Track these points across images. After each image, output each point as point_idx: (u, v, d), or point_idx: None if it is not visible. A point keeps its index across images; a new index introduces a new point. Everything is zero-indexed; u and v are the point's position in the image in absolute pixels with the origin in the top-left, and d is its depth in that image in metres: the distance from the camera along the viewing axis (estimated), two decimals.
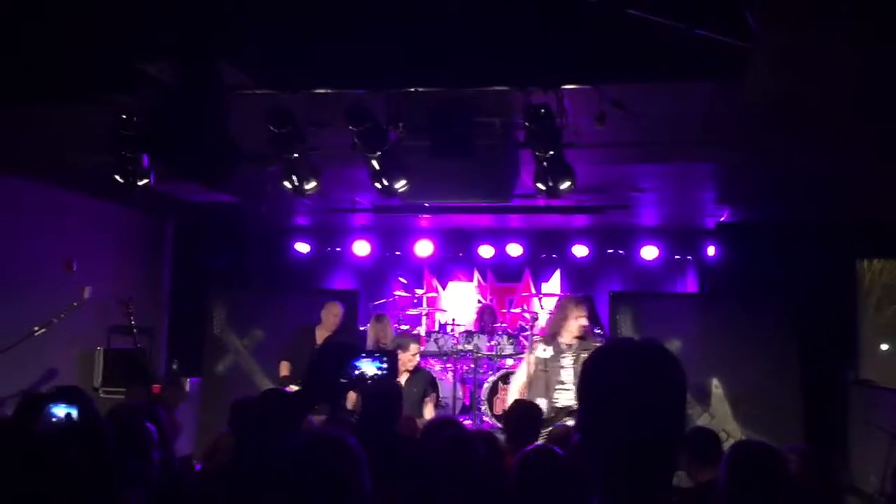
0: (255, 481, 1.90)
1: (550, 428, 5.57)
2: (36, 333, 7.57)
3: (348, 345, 2.27)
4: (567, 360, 6.18)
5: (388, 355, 2.23)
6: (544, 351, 6.29)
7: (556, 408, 6.07)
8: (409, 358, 7.14)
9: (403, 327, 9.43)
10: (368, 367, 2.19)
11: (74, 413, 3.70)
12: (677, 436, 1.56)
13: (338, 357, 2.15)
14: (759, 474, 3.01)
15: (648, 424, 1.51)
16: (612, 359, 1.61)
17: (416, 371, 7.25)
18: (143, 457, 3.58)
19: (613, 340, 1.65)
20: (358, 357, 2.18)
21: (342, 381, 2.16)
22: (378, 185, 5.50)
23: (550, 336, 6.38)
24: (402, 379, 7.13)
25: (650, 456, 1.52)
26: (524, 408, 5.13)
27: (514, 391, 6.51)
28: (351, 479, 2.10)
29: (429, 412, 7.15)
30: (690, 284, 10.24)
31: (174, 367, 9.13)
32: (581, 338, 6.20)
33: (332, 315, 7.76)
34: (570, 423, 5.52)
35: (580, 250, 10.21)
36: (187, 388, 8.86)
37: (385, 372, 2.20)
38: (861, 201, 7.90)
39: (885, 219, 8.25)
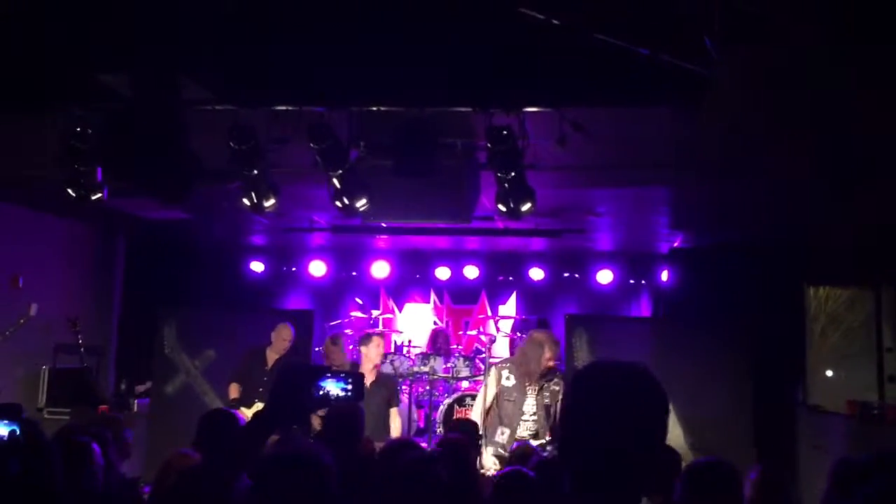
0: (225, 498, 1.85)
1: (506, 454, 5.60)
2: None
3: (313, 365, 2.22)
4: (531, 391, 6.16)
5: (354, 376, 2.18)
6: (507, 379, 6.25)
7: (517, 438, 6.06)
8: (373, 351, 7.09)
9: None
10: (333, 388, 2.13)
11: (17, 431, 3.57)
12: (654, 456, 1.56)
13: (302, 377, 2.10)
14: (715, 490, 3.03)
15: (626, 444, 1.52)
16: (594, 379, 1.62)
17: (382, 375, 7.30)
18: (88, 477, 3.48)
19: (596, 361, 1.67)
20: (323, 377, 2.13)
21: (307, 401, 2.10)
22: (338, 204, 5.46)
23: (516, 365, 6.33)
24: (368, 381, 7.07)
25: (623, 475, 1.52)
26: (465, 424, 5.13)
27: (476, 417, 6.43)
28: (324, 496, 2.06)
29: (395, 423, 7.02)
30: (644, 308, 10.37)
31: (122, 387, 8.90)
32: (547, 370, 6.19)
33: (281, 338, 7.58)
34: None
35: (537, 273, 10.28)
36: (135, 409, 8.65)
37: (350, 394, 2.15)
38: (809, 229, 8.10)
39: (832, 246, 8.47)
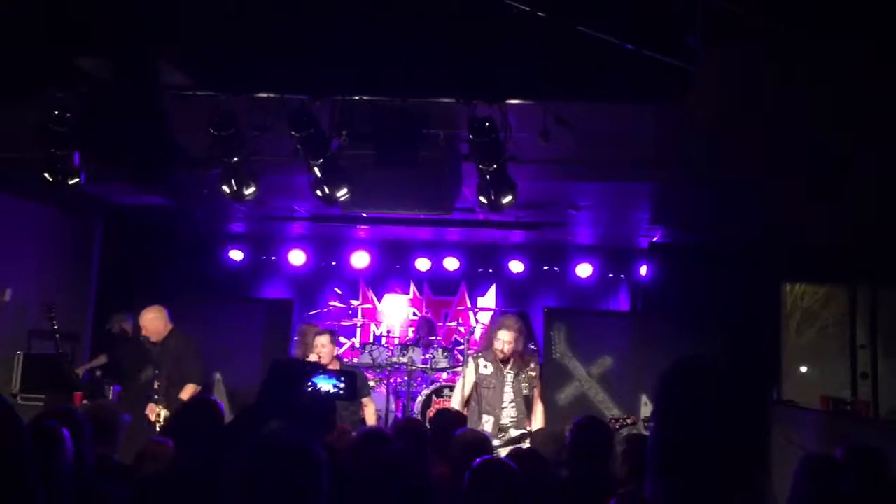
0: (209, 488, 1.84)
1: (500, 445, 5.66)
2: None
3: (306, 361, 2.24)
4: (509, 377, 6.18)
5: (347, 375, 2.19)
6: (485, 367, 6.26)
7: (501, 426, 6.09)
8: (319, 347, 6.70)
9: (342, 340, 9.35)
10: (325, 385, 2.15)
11: None
12: (758, 459, 1.55)
13: (296, 373, 2.11)
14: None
15: (732, 447, 1.51)
16: (699, 381, 1.62)
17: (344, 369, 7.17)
18: (58, 464, 3.44)
19: (694, 361, 1.56)
20: (316, 373, 2.14)
21: (298, 397, 2.11)
22: (319, 193, 5.44)
23: (484, 351, 6.36)
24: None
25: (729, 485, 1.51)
26: (449, 416, 5.12)
27: (455, 406, 6.41)
28: (313, 487, 2.05)
29: (370, 410, 6.95)
30: (623, 302, 10.42)
31: (97, 374, 8.81)
32: (520, 356, 6.20)
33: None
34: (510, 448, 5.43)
35: (516, 266, 10.30)
36: (110, 395, 8.58)
37: (342, 391, 2.17)
38: (787, 227, 8.17)
39: (809, 244, 8.54)
